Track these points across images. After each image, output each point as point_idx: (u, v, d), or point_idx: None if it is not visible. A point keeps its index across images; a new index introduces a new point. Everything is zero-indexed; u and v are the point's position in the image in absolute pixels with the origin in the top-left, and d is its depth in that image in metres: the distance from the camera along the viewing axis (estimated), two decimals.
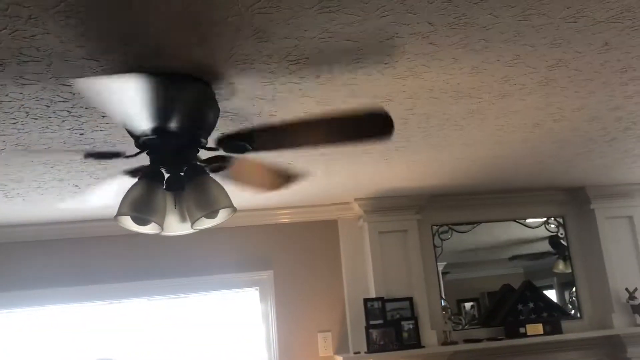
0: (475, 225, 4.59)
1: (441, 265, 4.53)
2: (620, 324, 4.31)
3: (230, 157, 2.08)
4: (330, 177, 3.53)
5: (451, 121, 2.65)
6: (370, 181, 3.74)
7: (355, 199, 4.24)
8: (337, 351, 4.21)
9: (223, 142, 1.98)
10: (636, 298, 4.32)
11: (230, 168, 2.15)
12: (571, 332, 4.32)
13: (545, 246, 4.73)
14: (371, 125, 1.92)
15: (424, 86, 2.19)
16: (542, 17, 1.74)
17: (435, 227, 4.52)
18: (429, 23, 1.70)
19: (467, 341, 4.20)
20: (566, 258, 4.67)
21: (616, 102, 2.59)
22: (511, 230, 4.69)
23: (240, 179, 2.39)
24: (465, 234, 4.58)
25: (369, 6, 1.57)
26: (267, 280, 4.30)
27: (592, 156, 3.56)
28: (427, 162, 3.38)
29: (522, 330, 4.25)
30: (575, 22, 1.79)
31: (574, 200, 4.64)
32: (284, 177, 2.51)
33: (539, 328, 4.26)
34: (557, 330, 4.28)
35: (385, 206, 4.25)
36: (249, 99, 2.14)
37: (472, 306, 4.58)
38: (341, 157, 3.08)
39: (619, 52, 2.06)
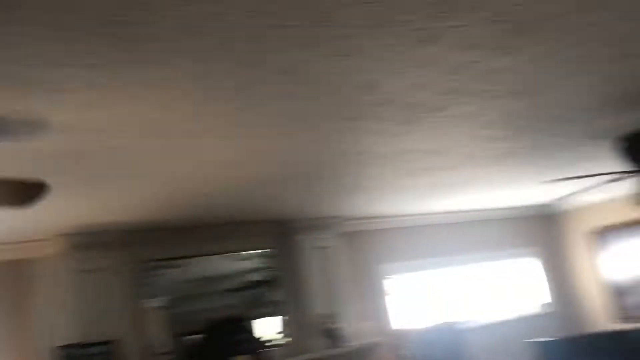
0: (189, 259, 4.54)
1: (163, 300, 4.37)
2: (318, 348, 4.64)
3: None
4: (26, 211, 3.13)
5: (146, 156, 2.56)
6: (71, 215, 3.43)
7: (55, 236, 3.85)
8: None
9: None
10: (334, 322, 4.72)
11: None
12: (280, 358, 4.51)
13: (261, 274, 4.88)
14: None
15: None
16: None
17: (145, 263, 4.34)
18: None
19: None
20: (277, 287, 4.90)
21: (301, 146, 2.80)
22: (227, 263, 4.76)
23: None
24: (179, 269, 4.49)
25: None
26: None
27: (289, 195, 3.82)
28: (127, 195, 3.22)
29: None
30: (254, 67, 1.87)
31: (281, 233, 4.91)
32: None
33: (246, 359, 4.37)
34: (263, 358, 4.43)
35: (88, 242, 3.94)
36: None
37: (193, 340, 4.49)
38: None
39: (297, 102, 2.22)
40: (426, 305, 5.66)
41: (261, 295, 4.88)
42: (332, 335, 4.67)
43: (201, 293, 4.69)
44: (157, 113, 2.10)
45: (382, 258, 5.48)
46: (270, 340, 4.73)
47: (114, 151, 2.44)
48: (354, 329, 4.95)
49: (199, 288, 4.67)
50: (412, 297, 5.63)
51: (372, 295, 5.34)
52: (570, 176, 4.51)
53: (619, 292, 6.07)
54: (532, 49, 2.08)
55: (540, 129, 3.25)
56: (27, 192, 1.92)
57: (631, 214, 5.75)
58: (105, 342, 3.86)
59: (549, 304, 6.38)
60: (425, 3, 1.63)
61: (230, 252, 4.74)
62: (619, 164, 3.83)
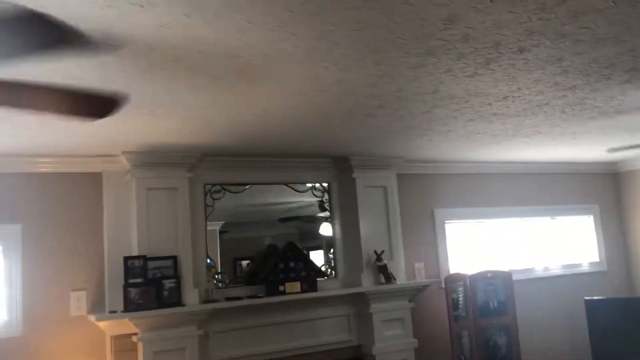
0: (247, 186, 4.66)
1: (218, 225, 4.54)
2: (367, 283, 4.76)
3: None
4: (95, 126, 3.26)
5: (222, 80, 2.60)
6: (139, 134, 3.54)
7: (123, 152, 4.00)
8: (92, 311, 3.99)
9: None
10: (382, 260, 4.80)
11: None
12: (326, 290, 4.65)
13: (314, 210, 5.00)
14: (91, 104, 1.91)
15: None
16: None
17: (207, 186, 4.48)
18: None
19: (228, 299, 4.28)
20: (330, 222, 4.99)
21: (371, 79, 2.77)
22: (283, 193, 4.86)
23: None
24: (238, 194, 4.62)
25: None
26: (12, 234, 3.87)
27: (353, 129, 3.81)
28: (197, 119, 3.30)
29: (281, 288, 4.46)
30: None
31: (338, 169, 4.95)
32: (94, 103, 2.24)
33: (296, 286, 4.51)
34: (313, 288, 4.57)
35: (155, 161, 4.09)
36: None
37: (248, 264, 4.70)
38: None
39: (372, 31, 2.18)
40: (480, 253, 5.65)
41: (315, 228, 5.00)
42: (383, 272, 4.75)
43: (257, 220, 4.84)
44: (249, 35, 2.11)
45: (439, 202, 5.47)
46: (322, 271, 4.86)
47: (201, 62, 2.45)
48: (407, 268, 5.03)
49: (256, 215, 4.82)
50: (467, 244, 5.63)
51: (427, 237, 5.37)
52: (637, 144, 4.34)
53: None
54: None
55: (620, 82, 3.10)
56: (102, 104, 1.97)
57: None
58: (168, 257, 4.06)
59: (601, 263, 6.27)
60: None
61: (288, 183, 4.83)
62: None
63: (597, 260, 6.29)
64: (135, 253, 4.01)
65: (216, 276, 4.42)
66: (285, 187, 4.83)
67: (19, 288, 3.84)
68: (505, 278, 5.21)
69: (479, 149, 4.93)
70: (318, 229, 5.00)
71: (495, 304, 5.13)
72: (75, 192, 4.10)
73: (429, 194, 5.45)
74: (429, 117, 3.65)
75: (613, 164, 6.40)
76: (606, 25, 2.29)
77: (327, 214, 5.00)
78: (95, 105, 1.95)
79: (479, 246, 5.67)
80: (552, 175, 6.11)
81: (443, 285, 5.12)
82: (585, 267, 6.21)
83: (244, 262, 4.70)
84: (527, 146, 4.94)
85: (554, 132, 4.43)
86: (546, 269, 5.97)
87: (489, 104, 3.44)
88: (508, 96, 3.28)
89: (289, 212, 4.95)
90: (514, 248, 5.85)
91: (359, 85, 2.84)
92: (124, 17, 1.87)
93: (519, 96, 3.29)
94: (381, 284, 4.75)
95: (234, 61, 2.38)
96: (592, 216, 6.35)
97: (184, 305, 4.02)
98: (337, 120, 3.55)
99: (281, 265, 4.55)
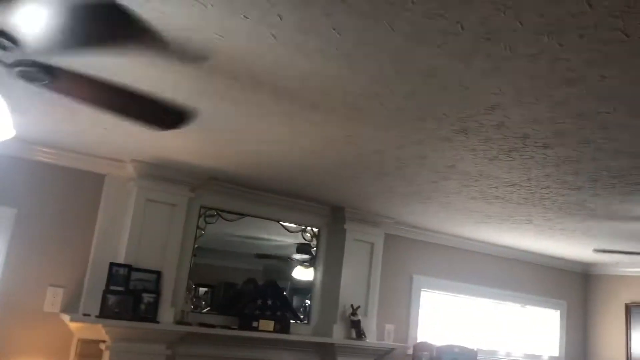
0: (242, 216, 4.70)
1: (206, 247, 4.54)
2: (338, 335, 4.78)
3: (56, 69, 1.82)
4: (110, 130, 3.30)
5: (255, 111, 2.67)
6: (152, 146, 3.58)
7: (132, 160, 4.03)
8: (65, 309, 3.93)
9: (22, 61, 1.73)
10: (357, 315, 4.85)
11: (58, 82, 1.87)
12: (297, 334, 4.66)
13: (292, 251, 5.02)
14: (163, 114, 1.97)
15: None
16: None
17: (203, 209, 4.52)
18: None
19: (201, 324, 4.26)
20: (309, 266, 5.02)
21: (401, 142, 2.90)
22: (270, 229, 4.90)
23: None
24: (230, 223, 4.65)
25: None
26: (7, 218, 3.83)
27: (364, 184, 3.93)
28: (215, 143, 3.35)
29: (254, 324, 4.45)
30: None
31: (332, 217, 5.04)
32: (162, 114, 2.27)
33: (270, 325, 4.51)
34: (286, 330, 4.58)
35: (162, 175, 4.12)
36: None
37: (206, 292, 4.66)
38: None
39: (421, 100, 2.31)
40: (450, 326, 5.73)
41: (288, 269, 4.99)
42: (355, 327, 4.78)
43: (230, 250, 4.81)
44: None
45: (419, 269, 5.57)
46: (297, 315, 4.87)
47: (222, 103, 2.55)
48: (378, 328, 5.07)
49: (232, 245, 4.79)
50: (439, 314, 5.71)
51: (402, 301, 5.44)
52: (622, 250, 4.56)
53: None
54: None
55: (623, 192, 3.30)
56: (173, 115, 2.03)
57: None
58: (153, 271, 4.05)
59: (559, 358, 6.39)
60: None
61: (282, 221, 4.89)
62: None
63: (557, 355, 6.41)
64: (121, 260, 4.00)
65: (194, 299, 4.40)
66: (277, 224, 4.89)
67: None
68: (470, 355, 5.28)
69: (468, 226, 5.08)
70: (290, 271, 5.01)
71: None
72: (75, 188, 4.10)
73: (411, 258, 5.55)
74: (435, 187, 3.79)
75: (587, 265, 6.61)
76: (629, 139, 2.47)
77: (303, 257, 5.02)
78: (167, 115, 2.00)
79: (450, 319, 5.76)
80: (530, 265, 6.28)
81: (410, 351, 5.17)
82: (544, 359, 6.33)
83: (202, 289, 4.64)
84: (513, 232, 5.11)
85: (544, 225, 4.61)
86: (508, 354, 6.07)
87: (495, 187, 3.59)
88: (516, 184, 3.44)
89: (267, 249, 4.96)
90: (483, 328, 5.95)
91: (389, 146, 2.97)
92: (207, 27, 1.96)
93: (526, 186, 3.46)
94: (352, 338, 4.78)
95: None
96: (559, 311, 6.51)
97: (158, 322, 4.00)
98: (352, 173, 3.66)
99: (259, 302, 4.56)
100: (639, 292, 6.19)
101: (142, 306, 3.96)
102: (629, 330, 6.19)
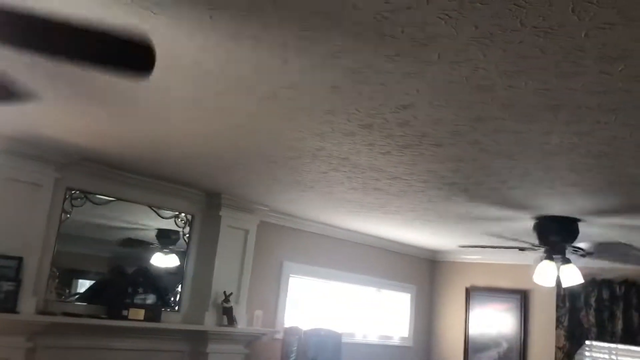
0: (112, 200, 4.43)
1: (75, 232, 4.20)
2: (210, 322, 4.72)
3: None
4: None
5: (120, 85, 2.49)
6: (23, 118, 3.19)
7: None
8: None
9: None
10: (229, 302, 4.82)
11: None
12: (168, 322, 4.52)
13: (153, 238, 4.79)
14: (126, 53, 1.54)
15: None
16: None
17: (70, 191, 4.18)
18: None
19: (66, 314, 3.96)
20: (171, 253, 4.85)
21: (301, 135, 2.93)
22: (141, 215, 4.66)
23: None
24: (98, 206, 4.36)
25: None
26: None
27: (248, 171, 3.90)
28: (98, 118, 3.09)
29: (124, 313, 4.24)
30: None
31: (207, 203, 4.94)
32: None
33: (140, 313, 4.33)
34: (157, 319, 4.42)
35: (24, 152, 3.73)
36: None
37: (73, 280, 4.31)
38: None
39: (340, 96, 2.37)
40: (315, 310, 5.92)
41: (148, 256, 4.74)
42: (227, 314, 4.76)
43: (93, 237, 4.50)
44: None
45: (289, 256, 5.68)
46: (169, 303, 4.72)
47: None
48: (248, 314, 5.09)
49: (96, 231, 4.48)
50: (307, 299, 5.87)
51: (271, 287, 5.50)
52: (485, 244, 5.06)
53: (475, 349, 6.71)
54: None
55: (483, 192, 3.66)
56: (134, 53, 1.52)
57: (500, 281, 6.49)
58: (12, 258, 3.68)
59: (408, 339, 6.93)
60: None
61: (154, 207, 4.69)
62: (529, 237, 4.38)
63: (406, 335, 6.93)
64: None
65: (59, 288, 4.08)
66: (150, 209, 4.68)
67: None
68: (335, 338, 5.52)
69: (340, 215, 5.28)
70: (145, 257, 4.75)
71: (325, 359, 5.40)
72: None
73: (282, 245, 5.64)
74: (321, 177, 3.88)
75: (434, 252, 7.21)
76: (514, 143, 2.75)
77: (167, 244, 4.82)
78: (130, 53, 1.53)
79: (316, 304, 5.95)
80: (385, 251, 6.70)
81: (280, 335, 5.27)
82: (395, 341, 6.80)
83: (68, 277, 4.28)
84: (380, 222, 5.41)
85: (409, 216, 4.94)
86: (365, 336, 6.43)
87: (377, 179, 3.77)
88: (398, 177, 3.65)
89: (136, 235, 4.72)
90: (346, 311, 6.24)
91: (287, 137, 2.99)
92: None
93: (407, 180, 3.68)
94: (224, 325, 4.75)
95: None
96: (410, 294, 7.03)
97: (18, 312, 3.65)
98: (237, 159, 3.62)
99: (129, 290, 4.36)
100: (478, 277, 6.88)
101: (1, 295, 3.59)
102: (468, 312, 6.87)
